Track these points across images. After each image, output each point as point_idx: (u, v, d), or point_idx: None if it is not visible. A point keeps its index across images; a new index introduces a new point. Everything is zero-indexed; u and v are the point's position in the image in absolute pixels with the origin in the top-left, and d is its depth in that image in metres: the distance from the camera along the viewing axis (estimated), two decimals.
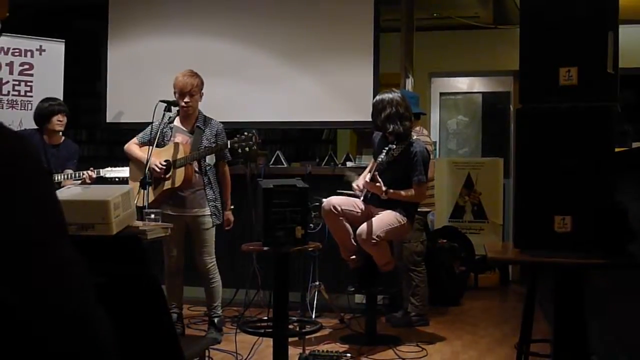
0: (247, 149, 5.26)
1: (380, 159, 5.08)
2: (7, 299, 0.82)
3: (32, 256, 0.85)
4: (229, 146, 5.33)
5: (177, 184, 5.36)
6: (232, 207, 5.62)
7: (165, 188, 5.37)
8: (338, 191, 5.59)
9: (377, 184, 5.03)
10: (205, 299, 5.66)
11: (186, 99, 5.41)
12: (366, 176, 5.26)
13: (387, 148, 5.11)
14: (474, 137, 10.51)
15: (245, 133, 5.29)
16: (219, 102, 6.83)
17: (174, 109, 5.49)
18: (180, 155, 5.36)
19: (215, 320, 5.61)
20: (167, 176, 5.37)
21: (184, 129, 5.54)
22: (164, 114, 5.41)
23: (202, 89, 5.50)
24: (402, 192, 5.20)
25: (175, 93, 5.44)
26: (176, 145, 5.40)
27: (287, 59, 7.14)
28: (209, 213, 5.48)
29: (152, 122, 5.42)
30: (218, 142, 5.49)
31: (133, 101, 7.26)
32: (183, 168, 5.34)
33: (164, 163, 5.35)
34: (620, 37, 3.20)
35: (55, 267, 0.87)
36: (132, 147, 5.57)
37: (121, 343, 0.93)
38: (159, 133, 5.36)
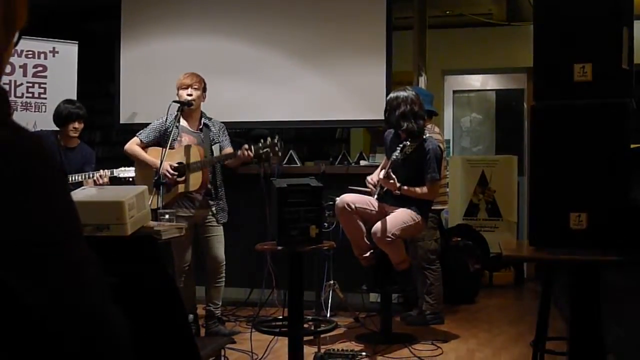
0: (271, 154, 5.28)
1: (395, 156, 5.08)
2: (24, 298, 0.84)
3: (48, 256, 0.86)
4: (252, 153, 5.29)
5: (193, 187, 5.37)
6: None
7: (179, 192, 5.37)
8: (350, 187, 5.59)
9: (391, 180, 5.02)
10: (208, 296, 5.67)
11: (188, 91, 5.44)
12: (379, 173, 5.25)
13: (401, 145, 5.10)
14: (487, 135, 10.48)
15: (269, 138, 5.30)
16: (232, 102, 6.85)
17: (177, 109, 5.48)
18: (194, 158, 5.36)
19: (217, 313, 5.66)
20: (181, 179, 5.37)
21: (190, 128, 5.55)
22: (176, 115, 5.42)
23: (204, 88, 5.55)
24: (416, 189, 5.20)
25: (177, 94, 5.49)
26: (187, 147, 5.39)
27: (300, 58, 7.14)
28: (217, 211, 5.53)
29: (156, 121, 5.48)
30: (222, 138, 5.55)
31: (146, 102, 7.28)
32: (200, 172, 5.36)
33: (175, 167, 5.34)
34: (636, 33, 3.18)
35: (71, 267, 0.89)
36: (135, 147, 5.51)
37: (138, 342, 0.94)
38: (171, 134, 5.36)
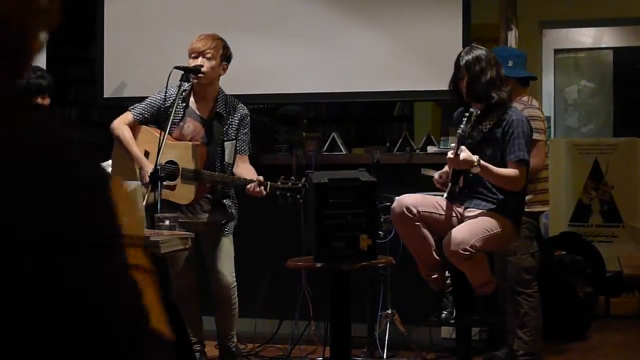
0: (290, 199, 5.27)
1: (461, 131, 5.05)
2: (53, 317, 0.95)
3: (92, 262, 0.98)
4: (265, 191, 5.30)
5: (183, 201, 5.38)
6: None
7: (163, 198, 5.33)
8: (423, 172, 5.56)
9: (463, 156, 4.95)
10: (219, 328, 5.71)
11: (199, 61, 5.39)
12: (447, 155, 5.22)
13: (467, 114, 5.07)
14: (603, 110, 10.39)
15: (293, 179, 5.31)
16: (254, 68, 6.86)
17: (188, 84, 5.49)
18: (197, 165, 5.36)
19: (234, 349, 5.70)
20: (171, 184, 5.35)
21: (199, 113, 5.54)
22: (179, 86, 5.42)
23: (225, 57, 5.48)
24: (500, 170, 5.14)
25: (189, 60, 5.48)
26: (195, 148, 5.40)
27: (345, 9, 7.13)
28: (224, 219, 5.55)
29: (155, 95, 5.48)
30: (239, 134, 5.52)
31: (139, 69, 7.32)
32: (193, 185, 5.37)
33: (165, 168, 5.32)
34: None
35: (115, 280, 1.00)
36: (124, 130, 5.48)
37: None
38: (172, 115, 5.33)
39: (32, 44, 1.11)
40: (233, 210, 5.62)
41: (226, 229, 5.58)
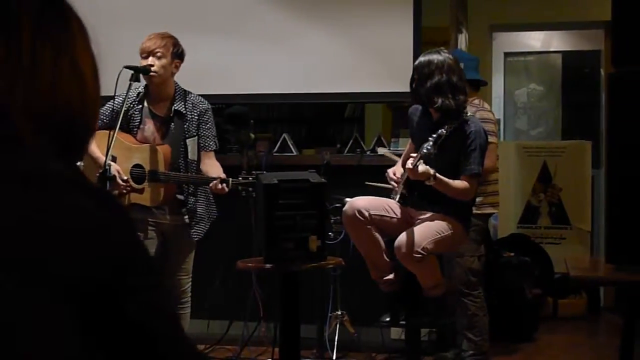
0: (253, 194, 5.25)
1: (426, 150, 5.03)
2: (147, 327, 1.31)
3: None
4: (227, 188, 5.27)
5: (151, 203, 5.35)
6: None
7: (133, 202, 5.32)
8: (367, 183, 5.59)
9: (420, 168, 4.97)
10: None
11: (149, 61, 5.35)
12: (407, 164, 5.22)
13: (435, 135, 5.06)
14: (551, 113, 10.48)
15: (254, 174, 5.29)
16: (205, 69, 6.83)
17: (139, 84, 5.44)
18: (161, 166, 5.33)
19: None
20: (139, 187, 5.33)
21: (157, 113, 5.50)
22: (129, 85, 5.37)
23: (176, 54, 5.44)
24: (454, 183, 5.16)
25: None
26: (158, 149, 5.37)
27: (297, 11, 7.13)
28: (192, 221, 5.50)
29: (114, 96, 5.41)
30: (201, 129, 5.48)
31: None
32: (162, 186, 5.34)
33: (132, 172, 5.30)
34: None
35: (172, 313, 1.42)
36: None
37: None
38: (122, 114, 5.29)
39: (91, 134, 1.48)
40: (202, 210, 5.57)
41: (193, 230, 5.52)
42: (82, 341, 1.22)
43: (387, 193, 5.38)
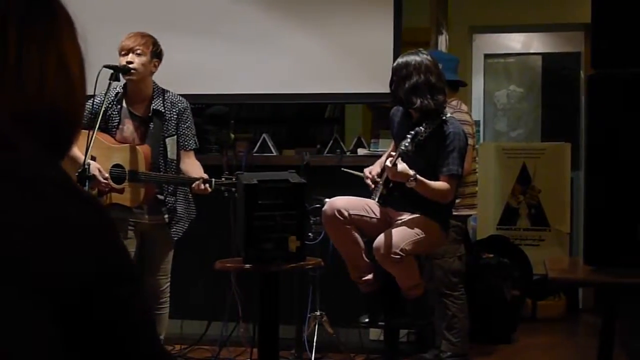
0: (236, 194, 5.24)
1: (403, 147, 5.04)
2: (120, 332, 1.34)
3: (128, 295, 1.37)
4: (210, 188, 5.26)
5: (131, 203, 5.34)
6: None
7: (113, 202, 5.32)
8: (344, 169, 5.56)
9: (400, 168, 4.96)
10: None
11: (128, 58, 5.34)
12: (385, 162, 5.21)
13: (412, 132, 5.07)
14: (531, 115, 10.49)
15: (226, 176, 5.29)
16: (186, 68, 6.81)
17: (122, 84, 5.43)
18: (141, 166, 5.32)
19: None
20: (119, 187, 5.32)
21: (135, 113, 5.48)
22: (109, 85, 5.35)
23: (155, 53, 5.43)
24: (433, 184, 5.16)
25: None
26: (137, 149, 5.35)
27: (277, 11, 7.12)
28: (171, 220, 5.50)
29: (93, 96, 5.38)
30: (180, 128, 5.47)
31: None
32: (143, 186, 5.33)
33: (112, 172, 5.28)
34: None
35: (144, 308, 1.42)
36: None
37: None
38: (101, 114, 5.27)
39: (77, 133, 1.49)
40: (181, 210, 5.56)
41: (172, 230, 5.52)
42: (59, 341, 1.25)
43: (361, 182, 5.38)
